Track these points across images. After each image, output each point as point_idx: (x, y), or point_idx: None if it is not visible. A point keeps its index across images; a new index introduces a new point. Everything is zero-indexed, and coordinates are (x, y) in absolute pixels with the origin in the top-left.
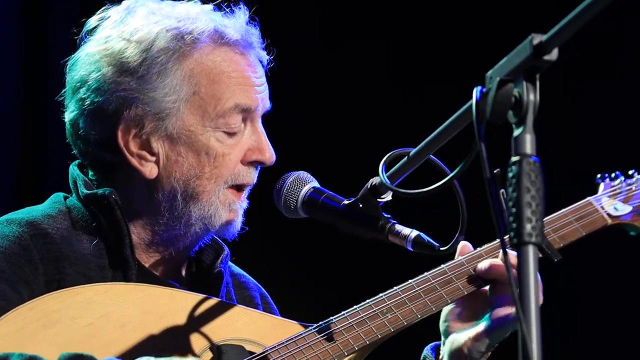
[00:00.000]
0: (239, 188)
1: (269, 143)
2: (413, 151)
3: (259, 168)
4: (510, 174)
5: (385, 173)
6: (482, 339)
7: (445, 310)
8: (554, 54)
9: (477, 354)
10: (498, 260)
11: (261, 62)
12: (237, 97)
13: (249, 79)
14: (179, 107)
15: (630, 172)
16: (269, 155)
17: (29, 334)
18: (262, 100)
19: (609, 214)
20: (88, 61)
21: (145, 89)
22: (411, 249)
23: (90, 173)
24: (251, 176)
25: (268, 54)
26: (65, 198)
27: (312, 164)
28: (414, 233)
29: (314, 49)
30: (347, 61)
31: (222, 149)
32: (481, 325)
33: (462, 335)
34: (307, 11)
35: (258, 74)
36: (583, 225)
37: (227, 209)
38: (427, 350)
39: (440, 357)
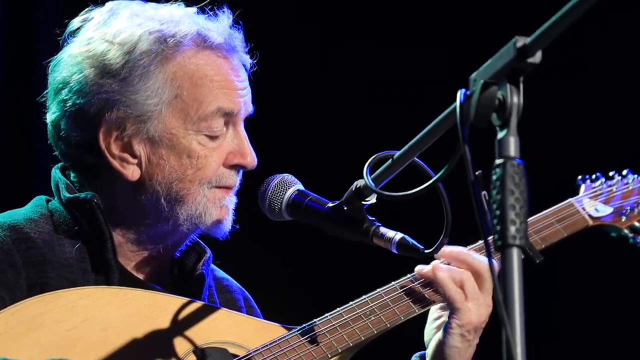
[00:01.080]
0: (225, 188)
1: (251, 147)
2: (397, 154)
3: (240, 172)
4: (494, 177)
5: (370, 175)
6: (447, 336)
7: (428, 320)
8: (537, 57)
9: (455, 351)
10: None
11: (244, 65)
12: (220, 101)
13: (231, 83)
14: (160, 110)
15: (610, 174)
16: (251, 159)
17: (11, 337)
18: (244, 104)
19: (590, 215)
20: (70, 62)
21: (127, 92)
22: (396, 252)
23: (73, 175)
24: (233, 179)
25: (251, 57)
26: (48, 201)
27: (295, 167)
28: (398, 235)
29: (300, 52)
30: (333, 62)
31: (204, 152)
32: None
33: (432, 342)
34: (298, 15)
35: (241, 77)
36: (564, 226)
37: (218, 206)
38: (414, 357)
39: None
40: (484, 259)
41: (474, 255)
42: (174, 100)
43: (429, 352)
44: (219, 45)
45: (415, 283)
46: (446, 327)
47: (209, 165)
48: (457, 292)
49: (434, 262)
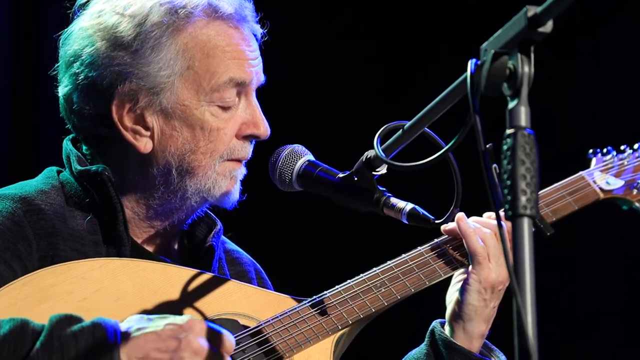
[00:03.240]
0: (236, 160)
1: (264, 117)
2: (408, 124)
3: (253, 142)
4: (505, 147)
5: (380, 146)
6: (464, 294)
7: (451, 285)
8: (548, 26)
9: (471, 309)
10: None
11: (255, 35)
12: (232, 71)
13: (243, 53)
14: (173, 81)
15: (622, 147)
16: (264, 129)
17: (23, 308)
18: (256, 74)
19: (601, 188)
20: (81, 35)
21: (139, 64)
22: (406, 222)
23: (85, 147)
24: (246, 150)
25: (262, 27)
26: (59, 172)
27: (307, 137)
28: (409, 206)
29: (310, 21)
30: (344, 34)
31: (217, 123)
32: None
33: (450, 302)
34: None
35: (252, 47)
36: (575, 199)
37: (228, 178)
38: (435, 323)
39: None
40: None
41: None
42: (186, 72)
43: (447, 312)
44: (230, 15)
45: (426, 256)
46: (464, 284)
47: (221, 138)
48: (480, 246)
49: (458, 214)
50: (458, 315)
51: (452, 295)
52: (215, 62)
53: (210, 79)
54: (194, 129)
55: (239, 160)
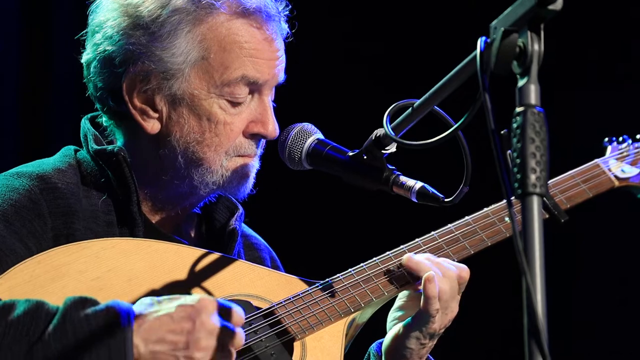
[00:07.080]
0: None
1: (274, 117)
2: (417, 102)
3: (261, 142)
4: (515, 125)
5: (390, 124)
6: (403, 336)
7: (393, 307)
8: (558, 4)
9: (407, 352)
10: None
11: (280, 34)
12: (246, 69)
13: (261, 52)
14: (185, 69)
15: (637, 136)
16: (272, 129)
17: (36, 286)
18: (273, 75)
19: (616, 176)
20: (108, 8)
21: (153, 47)
22: (415, 201)
23: (105, 118)
24: (253, 149)
25: (289, 26)
26: (76, 151)
27: (316, 116)
28: (418, 184)
29: (319, 6)
30: (353, 11)
31: (224, 117)
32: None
33: (390, 333)
34: None
35: (273, 47)
36: (590, 187)
37: (238, 174)
38: (373, 345)
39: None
40: (455, 274)
41: (450, 266)
42: (200, 62)
43: (385, 342)
44: (254, 13)
45: (439, 240)
46: (406, 330)
47: (227, 133)
48: (437, 310)
49: (428, 273)
50: (395, 353)
51: (393, 323)
52: (231, 57)
53: (223, 73)
54: (201, 119)
55: (249, 156)
